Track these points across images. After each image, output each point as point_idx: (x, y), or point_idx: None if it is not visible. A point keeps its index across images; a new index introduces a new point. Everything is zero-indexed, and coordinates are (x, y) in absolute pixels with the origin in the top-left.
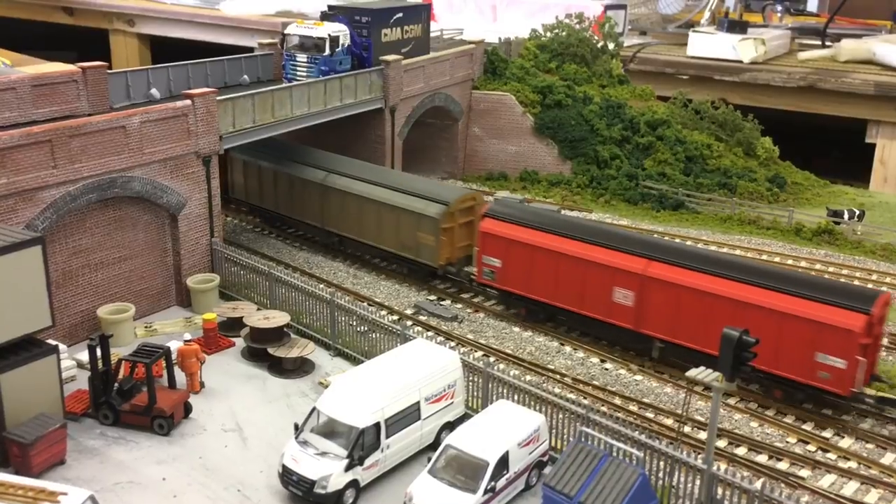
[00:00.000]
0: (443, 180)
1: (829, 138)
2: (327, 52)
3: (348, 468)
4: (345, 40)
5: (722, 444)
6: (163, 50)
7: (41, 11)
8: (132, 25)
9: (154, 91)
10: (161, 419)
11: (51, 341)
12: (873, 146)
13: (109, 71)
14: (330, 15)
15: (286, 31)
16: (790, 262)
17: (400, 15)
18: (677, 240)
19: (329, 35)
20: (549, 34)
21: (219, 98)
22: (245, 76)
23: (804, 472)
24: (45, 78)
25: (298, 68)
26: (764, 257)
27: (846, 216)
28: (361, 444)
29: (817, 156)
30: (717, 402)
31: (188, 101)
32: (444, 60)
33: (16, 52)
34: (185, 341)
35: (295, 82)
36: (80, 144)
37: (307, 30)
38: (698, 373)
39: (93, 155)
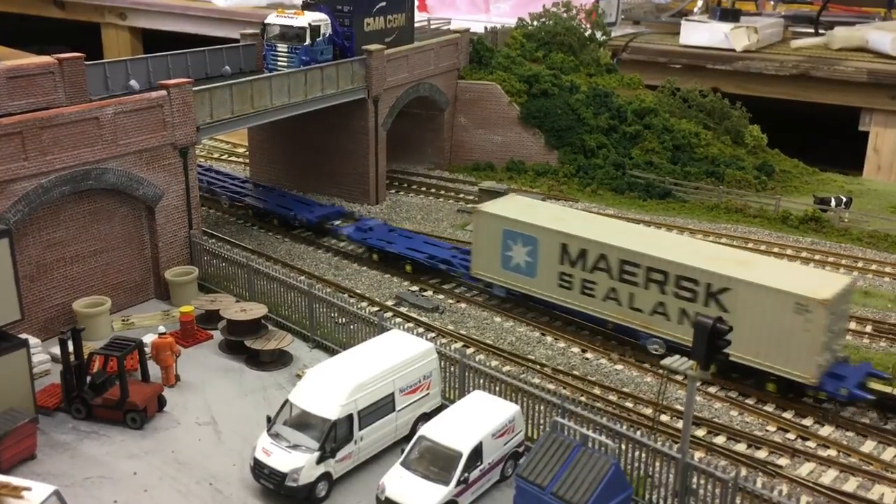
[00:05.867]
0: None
1: (823, 126)
2: (308, 41)
3: (320, 461)
4: (326, 30)
5: (701, 432)
6: (155, 43)
7: (33, 6)
8: (124, 19)
9: (133, 82)
10: (134, 413)
11: (23, 335)
12: (867, 134)
13: (87, 62)
14: (311, 4)
15: (266, 21)
16: (776, 249)
17: (383, 4)
18: (663, 228)
19: (310, 24)
20: (535, 23)
21: (195, 88)
22: (227, 67)
23: (783, 461)
24: (20, 69)
25: (279, 58)
26: (750, 245)
27: (833, 203)
28: (334, 436)
29: (812, 145)
30: (693, 390)
31: (163, 92)
32: (428, 50)
33: (7, 48)
34: (160, 334)
35: (275, 72)
36: (52, 136)
37: (288, 19)
38: (673, 361)
39: (65, 146)
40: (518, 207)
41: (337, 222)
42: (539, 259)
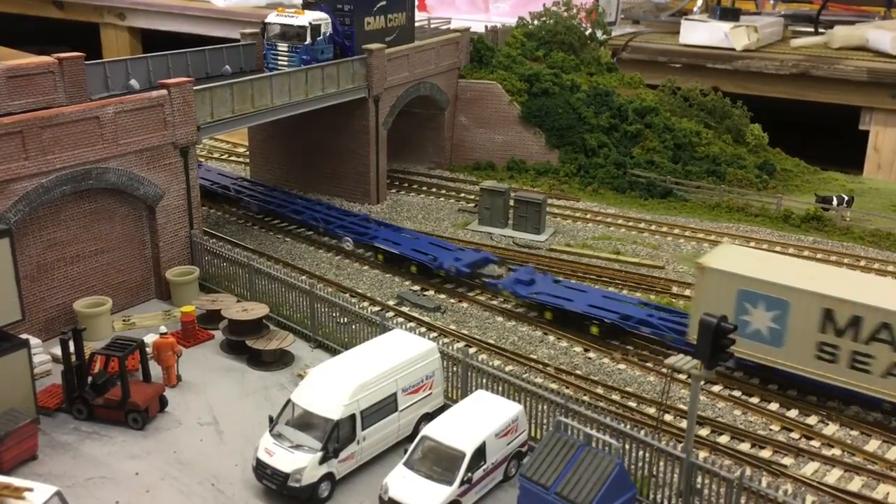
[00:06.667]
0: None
1: (823, 126)
2: (308, 41)
3: (323, 461)
4: (326, 29)
5: (704, 432)
6: (154, 43)
7: (33, 6)
8: (123, 19)
9: (133, 82)
10: (135, 413)
11: (23, 335)
12: (867, 133)
13: (87, 62)
14: (312, 3)
15: (266, 20)
16: (778, 248)
17: (383, 3)
18: (664, 228)
19: (310, 24)
20: (536, 22)
21: (196, 88)
22: (227, 66)
23: (787, 460)
24: (20, 69)
25: (279, 58)
26: (752, 244)
27: (835, 202)
28: (336, 436)
29: (812, 144)
30: (697, 390)
31: (164, 91)
32: (429, 49)
33: (7, 48)
34: (161, 334)
35: (275, 72)
36: (53, 135)
37: (288, 19)
38: (677, 360)
39: (66, 146)
40: (751, 262)
41: (495, 280)
42: (789, 326)
